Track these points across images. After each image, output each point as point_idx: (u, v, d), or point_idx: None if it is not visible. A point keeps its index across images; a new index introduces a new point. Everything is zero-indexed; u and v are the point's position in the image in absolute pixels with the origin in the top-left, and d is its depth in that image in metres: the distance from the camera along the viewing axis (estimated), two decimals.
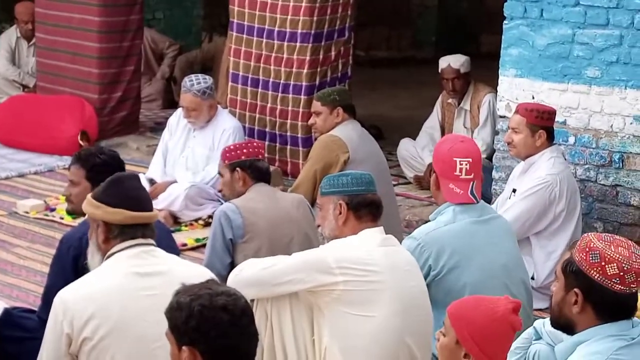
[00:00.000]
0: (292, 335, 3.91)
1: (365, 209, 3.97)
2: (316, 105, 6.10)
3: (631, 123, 5.92)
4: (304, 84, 7.57)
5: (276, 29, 7.59)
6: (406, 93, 11.00)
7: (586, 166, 6.12)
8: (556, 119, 5.80)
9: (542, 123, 5.60)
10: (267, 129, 7.77)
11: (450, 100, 7.65)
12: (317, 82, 7.59)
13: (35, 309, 4.37)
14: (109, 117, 8.65)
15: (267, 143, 7.63)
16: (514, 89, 6.33)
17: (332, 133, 5.95)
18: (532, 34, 6.21)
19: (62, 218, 6.69)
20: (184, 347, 2.81)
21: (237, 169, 4.99)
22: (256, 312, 3.85)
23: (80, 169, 4.38)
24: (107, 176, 3.66)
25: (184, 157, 7.09)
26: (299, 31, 7.51)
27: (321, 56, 7.61)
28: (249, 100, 7.83)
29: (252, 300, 3.83)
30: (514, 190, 5.68)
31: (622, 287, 3.11)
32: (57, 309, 3.39)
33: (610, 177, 6.03)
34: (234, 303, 2.83)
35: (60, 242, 4.21)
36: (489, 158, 7.00)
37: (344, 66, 7.85)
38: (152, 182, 7.00)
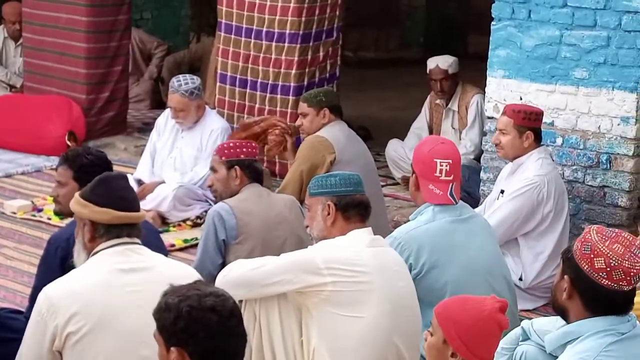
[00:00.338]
0: (281, 336, 3.91)
1: (353, 209, 3.98)
2: (302, 107, 6.10)
3: (618, 124, 5.93)
4: (292, 84, 7.57)
5: (264, 29, 7.58)
6: (394, 94, 10.99)
7: (574, 167, 6.13)
8: (544, 120, 5.80)
9: (529, 124, 5.60)
10: None
11: (438, 101, 7.65)
12: (305, 83, 7.58)
13: (23, 309, 4.36)
14: (96, 117, 8.62)
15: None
16: (502, 90, 6.33)
17: (318, 134, 5.95)
18: (520, 35, 6.22)
19: (49, 219, 6.67)
20: (172, 348, 2.81)
21: (236, 167, 4.98)
22: (245, 312, 3.85)
23: (68, 170, 4.37)
24: (95, 177, 3.66)
25: (172, 158, 7.06)
26: (287, 32, 7.50)
27: (309, 57, 7.60)
28: (237, 101, 7.82)
29: (241, 301, 3.83)
30: (502, 191, 5.69)
31: (610, 283, 3.13)
32: (42, 304, 3.38)
33: (598, 178, 6.04)
34: (223, 304, 2.83)
35: (47, 243, 4.21)
36: (477, 159, 7.01)
37: (332, 67, 7.84)
38: (140, 182, 6.97)
